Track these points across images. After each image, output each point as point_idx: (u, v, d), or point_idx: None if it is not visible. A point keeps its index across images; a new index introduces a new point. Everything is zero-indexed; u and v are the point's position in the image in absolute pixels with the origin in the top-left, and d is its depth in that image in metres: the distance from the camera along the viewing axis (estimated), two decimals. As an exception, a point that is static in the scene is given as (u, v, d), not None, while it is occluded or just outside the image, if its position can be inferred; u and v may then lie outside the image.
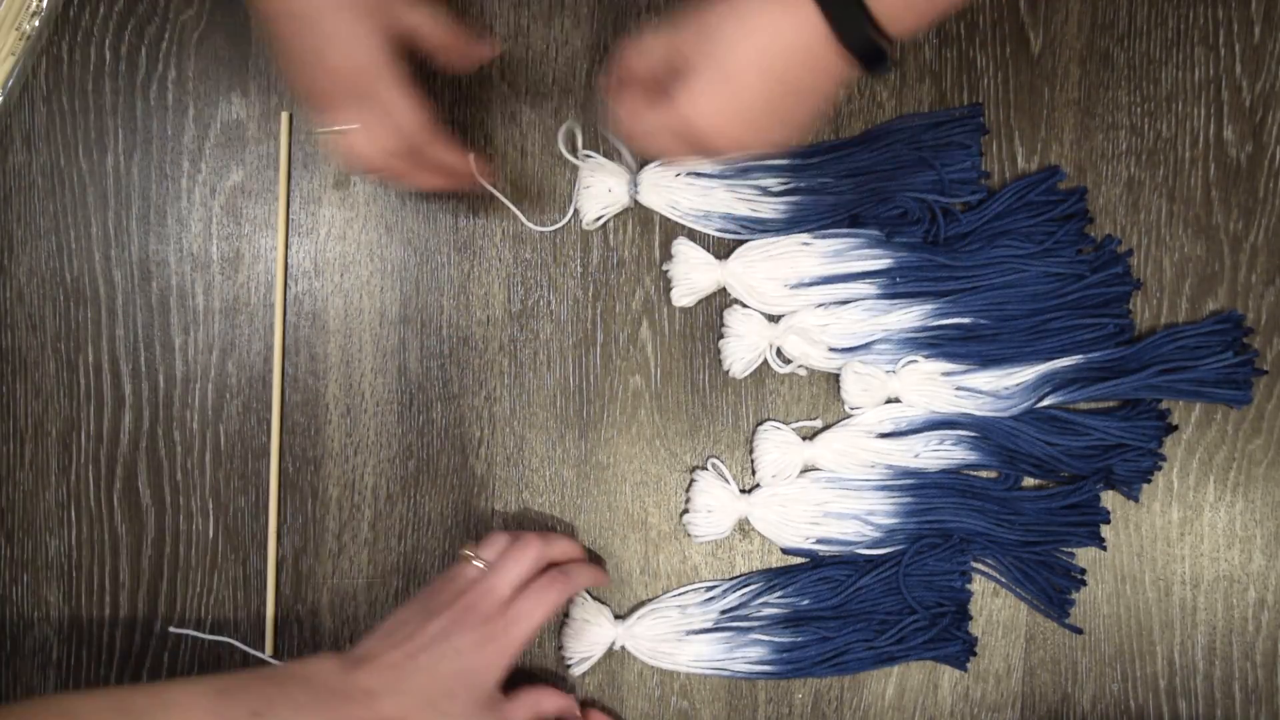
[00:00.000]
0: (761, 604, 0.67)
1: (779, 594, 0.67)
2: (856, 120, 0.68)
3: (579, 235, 0.69)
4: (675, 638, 0.66)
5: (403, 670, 0.57)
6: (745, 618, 0.67)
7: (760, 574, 0.68)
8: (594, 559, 0.69)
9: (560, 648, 0.68)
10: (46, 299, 0.69)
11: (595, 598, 0.68)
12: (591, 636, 0.67)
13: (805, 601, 0.66)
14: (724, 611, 0.67)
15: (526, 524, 0.69)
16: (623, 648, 0.67)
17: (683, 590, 0.68)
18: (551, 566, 0.64)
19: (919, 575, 0.66)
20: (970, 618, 0.67)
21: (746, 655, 0.66)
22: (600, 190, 0.67)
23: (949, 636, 0.66)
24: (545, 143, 0.69)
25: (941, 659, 0.67)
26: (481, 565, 0.62)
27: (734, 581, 0.68)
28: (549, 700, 0.64)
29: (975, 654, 0.67)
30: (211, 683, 0.55)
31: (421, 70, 0.57)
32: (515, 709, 0.62)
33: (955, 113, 0.68)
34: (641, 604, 0.68)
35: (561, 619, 0.68)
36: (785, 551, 0.68)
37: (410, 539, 0.69)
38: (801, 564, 0.68)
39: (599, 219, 0.68)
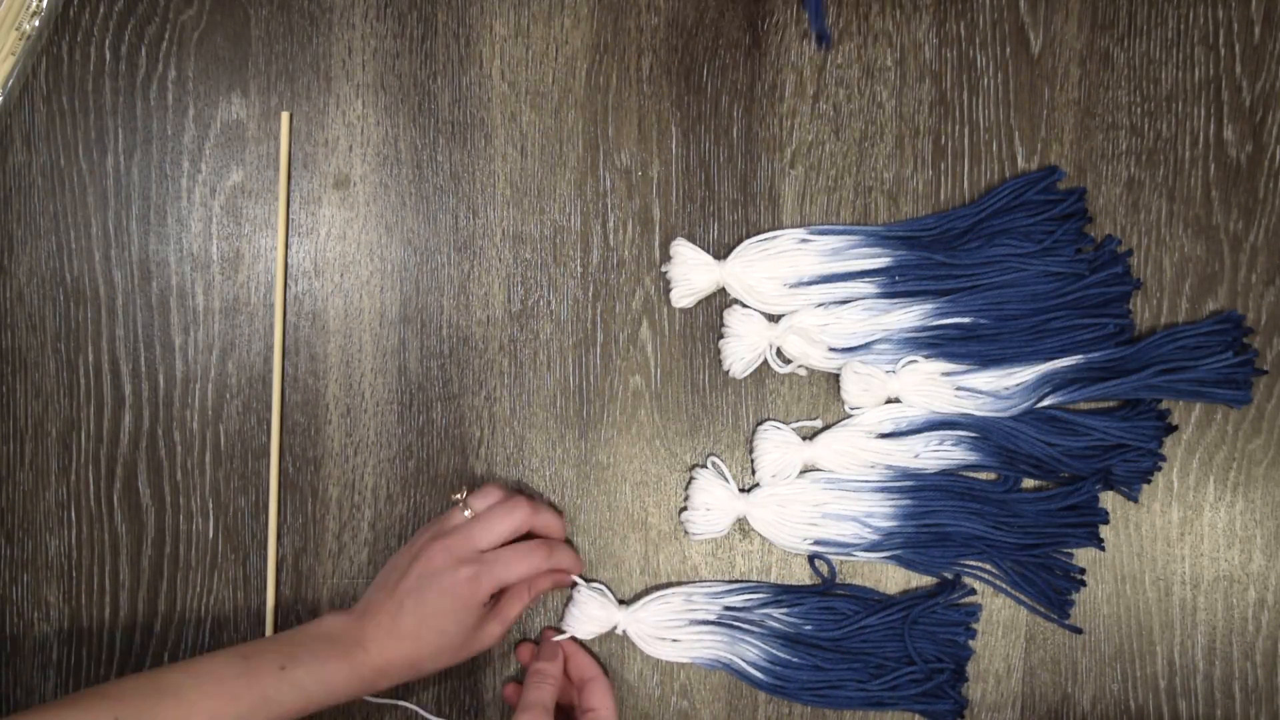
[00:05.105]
0: (765, 614, 0.67)
1: (784, 610, 0.66)
2: (857, 119, 0.68)
3: (579, 235, 0.69)
4: (678, 625, 0.66)
5: (396, 616, 0.61)
6: (748, 620, 0.67)
7: (769, 585, 0.68)
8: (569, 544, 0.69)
9: (560, 630, 0.67)
10: (46, 299, 0.69)
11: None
12: (594, 616, 0.66)
13: (808, 627, 0.66)
14: (728, 608, 0.67)
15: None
16: (624, 633, 0.67)
17: (690, 583, 0.68)
18: (532, 537, 0.65)
19: (925, 624, 0.66)
20: (966, 679, 0.67)
21: (744, 654, 0.66)
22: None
23: (941, 694, 0.66)
24: (545, 143, 0.69)
25: (929, 715, 0.67)
26: (468, 515, 0.64)
27: (743, 585, 0.68)
28: (540, 580, 0.67)
29: (963, 718, 0.67)
30: (236, 649, 0.60)
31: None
32: (506, 607, 0.65)
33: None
34: (648, 590, 0.68)
35: (565, 602, 0.68)
36: (810, 557, 0.68)
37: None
38: (811, 585, 0.68)
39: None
